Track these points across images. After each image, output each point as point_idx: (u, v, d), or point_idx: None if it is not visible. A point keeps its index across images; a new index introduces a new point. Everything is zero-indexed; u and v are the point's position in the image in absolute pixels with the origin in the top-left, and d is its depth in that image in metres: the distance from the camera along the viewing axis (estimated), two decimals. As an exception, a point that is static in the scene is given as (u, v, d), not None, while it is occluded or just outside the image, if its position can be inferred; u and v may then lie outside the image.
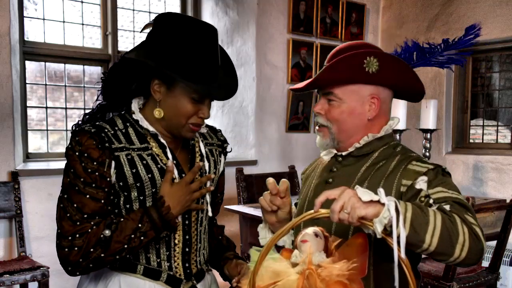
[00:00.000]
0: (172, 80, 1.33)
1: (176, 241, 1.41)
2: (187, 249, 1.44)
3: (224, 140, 1.60)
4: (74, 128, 1.40)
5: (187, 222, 1.44)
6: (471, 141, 4.37)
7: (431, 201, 1.22)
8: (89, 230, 1.28)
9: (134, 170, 1.33)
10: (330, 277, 1.09)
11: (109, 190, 1.32)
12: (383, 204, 1.07)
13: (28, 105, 3.55)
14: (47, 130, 3.68)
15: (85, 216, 1.28)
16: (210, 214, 1.51)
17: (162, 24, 1.33)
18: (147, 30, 1.40)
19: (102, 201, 1.30)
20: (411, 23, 4.53)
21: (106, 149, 1.31)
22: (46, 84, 3.67)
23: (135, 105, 1.41)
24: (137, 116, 1.39)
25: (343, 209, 1.08)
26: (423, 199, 1.24)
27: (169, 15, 1.35)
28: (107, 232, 1.28)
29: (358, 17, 4.60)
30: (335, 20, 4.43)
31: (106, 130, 1.34)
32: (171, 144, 1.42)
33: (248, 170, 3.62)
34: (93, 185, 1.29)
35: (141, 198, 1.35)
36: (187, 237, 1.44)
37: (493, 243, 3.01)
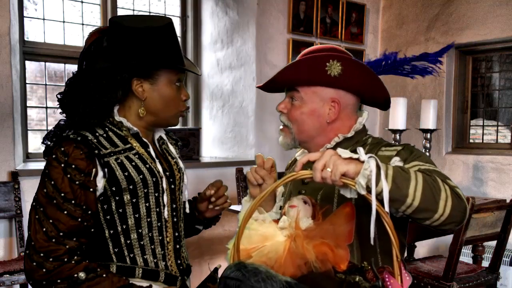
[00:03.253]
0: (154, 73, 1.36)
1: (168, 239, 1.42)
2: (177, 246, 1.45)
3: (176, 138, 1.63)
4: (48, 139, 1.35)
5: (175, 219, 1.45)
6: (471, 141, 4.37)
7: (412, 169, 1.23)
8: (65, 259, 1.24)
9: (126, 174, 1.32)
10: (316, 240, 1.11)
11: (87, 206, 1.28)
12: (364, 163, 1.09)
13: (28, 105, 3.56)
14: (47, 130, 3.67)
15: (61, 234, 1.24)
16: (187, 210, 1.55)
17: (121, 26, 1.32)
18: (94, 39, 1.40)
19: (79, 220, 1.27)
20: (411, 23, 4.53)
21: (95, 157, 1.28)
22: (46, 84, 3.67)
23: (114, 110, 1.39)
24: (119, 118, 1.38)
25: (326, 167, 1.10)
26: None
27: (122, 17, 1.40)
28: (82, 276, 1.24)
29: (358, 17, 4.60)
30: (335, 20, 4.43)
31: (90, 138, 1.31)
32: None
33: (248, 170, 3.62)
34: (73, 201, 1.26)
35: (134, 200, 1.34)
36: (176, 234, 1.45)
37: (493, 243, 3.01)
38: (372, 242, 1.07)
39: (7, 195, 3.07)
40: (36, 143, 3.68)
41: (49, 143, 1.35)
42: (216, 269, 1.53)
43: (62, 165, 1.26)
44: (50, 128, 3.60)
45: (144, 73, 1.36)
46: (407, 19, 4.56)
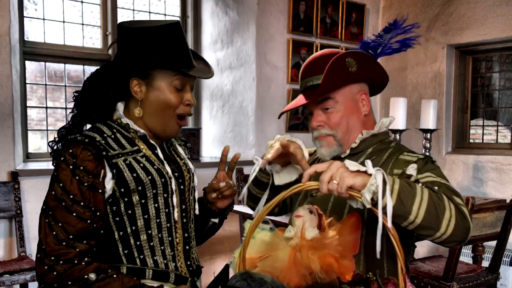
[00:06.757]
0: (151, 74, 1.34)
1: (178, 240, 1.42)
2: (187, 247, 1.45)
3: (185, 140, 1.63)
4: (52, 144, 1.38)
5: (185, 220, 1.44)
6: (471, 141, 4.37)
7: (419, 185, 1.24)
8: (75, 261, 1.23)
9: (134, 175, 1.32)
10: (321, 250, 1.11)
11: (96, 208, 1.28)
12: (371, 176, 1.09)
13: (28, 105, 3.55)
14: (47, 130, 3.68)
15: (71, 236, 1.24)
16: (196, 212, 1.53)
17: (126, 29, 1.34)
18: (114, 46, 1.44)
19: (88, 221, 1.26)
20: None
21: (103, 158, 1.28)
22: (46, 84, 3.67)
23: (120, 112, 1.40)
24: (126, 120, 1.38)
25: (332, 180, 1.10)
26: None
27: (130, 21, 1.40)
28: (92, 277, 1.23)
29: (358, 17, 4.60)
30: (335, 20, 4.43)
31: (98, 139, 1.31)
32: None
33: (248, 170, 3.62)
34: (81, 203, 1.25)
35: (143, 201, 1.34)
36: (186, 235, 1.45)
37: (493, 243, 3.01)
38: (378, 256, 1.06)
39: (7, 195, 3.07)
40: (36, 143, 3.68)
41: (56, 147, 1.37)
42: (227, 265, 1.52)
43: (71, 167, 1.26)
44: (50, 128, 3.63)
45: (141, 73, 1.35)
46: (407, 19, 4.56)
